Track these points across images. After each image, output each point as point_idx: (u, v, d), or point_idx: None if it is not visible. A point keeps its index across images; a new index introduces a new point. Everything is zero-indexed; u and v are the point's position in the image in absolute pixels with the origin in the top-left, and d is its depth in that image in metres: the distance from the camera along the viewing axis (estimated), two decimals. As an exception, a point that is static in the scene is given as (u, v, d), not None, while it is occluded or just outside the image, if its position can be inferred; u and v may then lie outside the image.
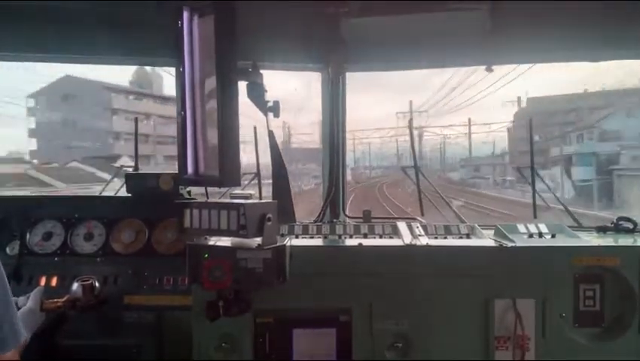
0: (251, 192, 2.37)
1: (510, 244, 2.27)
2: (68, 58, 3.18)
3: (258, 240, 1.95)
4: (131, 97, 29.39)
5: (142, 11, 2.65)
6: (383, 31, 2.77)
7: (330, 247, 2.42)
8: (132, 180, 2.73)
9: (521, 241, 2.33)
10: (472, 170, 30.58)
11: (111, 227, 2.63)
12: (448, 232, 2.62)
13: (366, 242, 2.37)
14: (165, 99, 29.36)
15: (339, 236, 2.59)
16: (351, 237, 2.57)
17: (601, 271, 2.24)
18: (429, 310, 2.22)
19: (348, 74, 3.05)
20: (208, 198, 2.60)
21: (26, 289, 2.15)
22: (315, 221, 2.91)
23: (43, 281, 2.43)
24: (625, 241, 2.48)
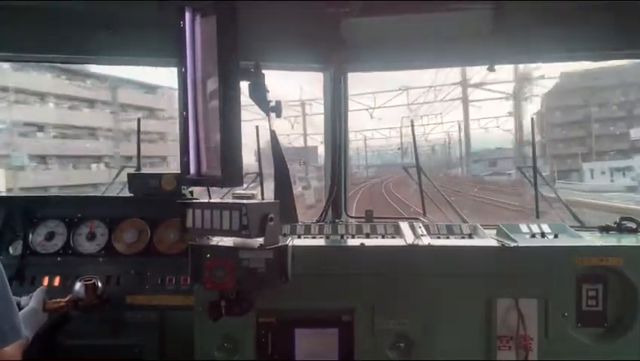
0: (253, 192, 2.37)
1: (512, 244, 2.27)
2: (70, 58, 3.18)
3: (260, 240, 1.95)
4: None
5: (144, 11, 2.65)
6: (385, 31, 2.77)
7: (332, 247, 2.42)
8: (135, 180, 2.73)
9: (523, 241, 2.32)
10: (487, 165, 26.88)
11: (113, 227, 2.63)
12: (450, 231, 2.62)
13: (368, 242, 2.36)
14: (83, 76, 20.02)
15: (342, 236, 2.58)
16: (353, 237, 2.57)
17: (604, 271, 2.23)
18: (431, 310, 2.22)
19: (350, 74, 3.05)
20: (210, 198, 2.60)
21: (29, 289, 2.16)
22: (318, 221, 2.91)
23: (45, 281, 2.44)
24: (628, 240, 2.47)
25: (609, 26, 2.68)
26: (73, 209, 2.69)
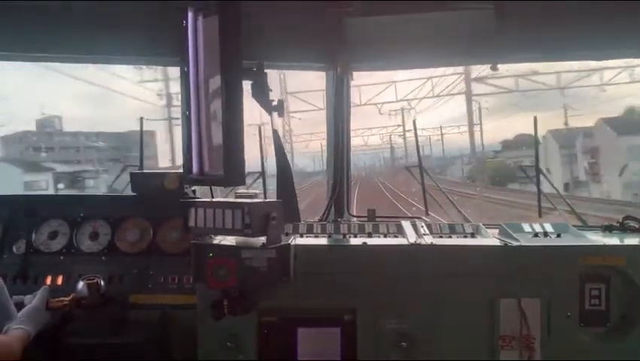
0: (256, 191, 2.38)
1: (515, 244, 2.26)
2: (73, 58, 3.19)
3: (263, 239, 1.95)
4: None
5: (147, 11, 2.66)
6: (388, 30, 2.77)
7: (334, 246, 2.42)
8: (138, 179, 2.74)
9: (526, 241, 2.31)
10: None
11: (116, 226, 2.63)
12: (453, 231, 2.61)
13: (370, 241, 2.36)
14: None
15: (344, 235, 2.58)
16: (355, 236, 2.56)
17: (607, 270, 2.23)
18: (434, 309, 2.22)
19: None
20: (213, 197, 2.61)
21: (32, 288, 2.17)
22: (320, 220, 2.91)
23: (49, 280, 2.44)
24: (631, 240, 2.46)
25: (610, 26, 2.67)
26: (76, 208, 2.70)
